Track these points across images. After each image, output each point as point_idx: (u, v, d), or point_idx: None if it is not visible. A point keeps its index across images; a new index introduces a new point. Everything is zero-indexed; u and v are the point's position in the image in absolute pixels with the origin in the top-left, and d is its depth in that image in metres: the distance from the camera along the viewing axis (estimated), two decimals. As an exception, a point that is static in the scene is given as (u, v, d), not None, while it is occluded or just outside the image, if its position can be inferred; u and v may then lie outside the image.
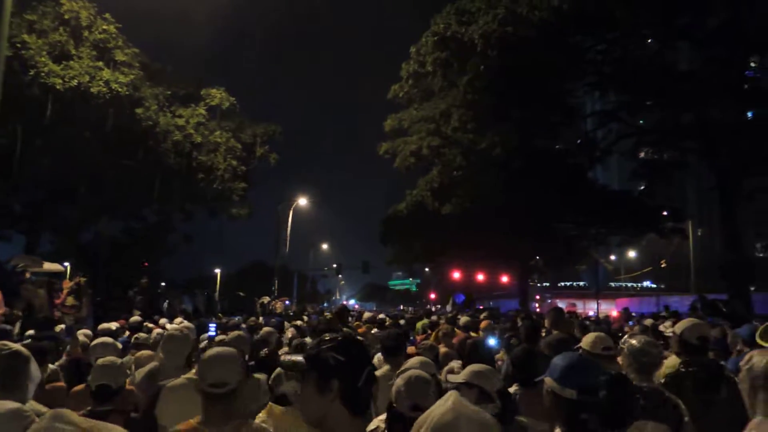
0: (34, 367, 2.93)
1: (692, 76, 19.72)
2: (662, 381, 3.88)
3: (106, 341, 5.15)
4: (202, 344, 6.74)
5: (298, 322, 11.73)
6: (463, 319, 10.85)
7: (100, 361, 3.92)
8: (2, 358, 2.84)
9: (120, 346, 5.69)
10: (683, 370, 4.01)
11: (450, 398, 1.55)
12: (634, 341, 3.69)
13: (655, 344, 3.79)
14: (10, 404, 2.21)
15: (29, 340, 7.33)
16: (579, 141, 24.60)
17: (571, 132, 25.11)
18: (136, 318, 11.10)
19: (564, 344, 5.65)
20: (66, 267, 26.63)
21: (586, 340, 4.36)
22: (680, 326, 4.39)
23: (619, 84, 21.50)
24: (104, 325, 9.00)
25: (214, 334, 8.51)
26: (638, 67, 20.19)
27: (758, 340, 4.12)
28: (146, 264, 33.25)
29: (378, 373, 4.72)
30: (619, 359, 3.92)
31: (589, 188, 25.87)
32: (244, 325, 10.67)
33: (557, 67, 18.46)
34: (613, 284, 65.74)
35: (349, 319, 13.21)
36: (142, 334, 7.53)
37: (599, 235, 30.81)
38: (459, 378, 3.23)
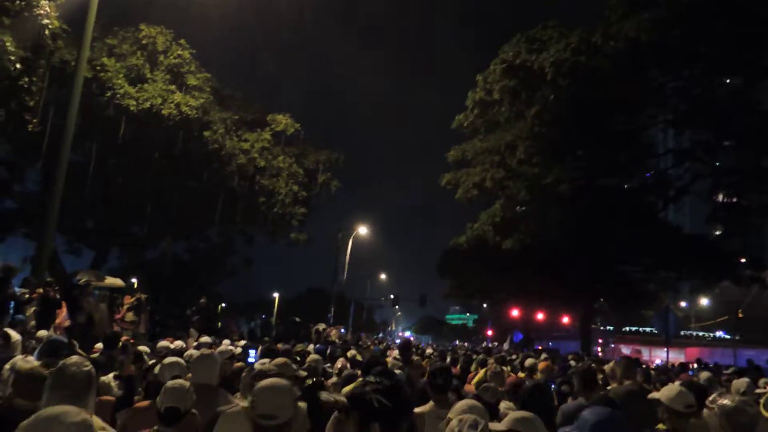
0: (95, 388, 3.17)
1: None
2: None
3: (179, 362, 5.07)
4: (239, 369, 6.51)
5: (351, 353, 11.47)
6: (528, 361, 10.27)
7: (169, 383, 3.91)
8: (82, 374, 3.04)
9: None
10: None
11: None
12: (727, 401, 3.39)
13: (751, 404, 3.43)
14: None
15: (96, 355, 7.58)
16: (652, 179, 23.48)
17: (642, 170, 24.04)
18: (206, 339, 11.19)
19: (634, 397, 5.12)
20: (133, 283, 27.44)
21: (667, 395, 3.94)
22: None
23: (697, 122, 20.46)
24: (163, 343, 9.07)
25: (253, 360, 8.39)
26: (719, 105, 19.17)
27: (763, 411, 3.54)
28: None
29: (422, 409, 4.56)
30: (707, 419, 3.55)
31: (661, 230, 24.59)
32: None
33: (631, 100, 17.70)
34: (682, 332, 62.23)
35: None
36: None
37: (669, 279, 29.21)
38: (501, 426, 3.02)
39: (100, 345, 9.61)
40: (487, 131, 22.11)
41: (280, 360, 6.48)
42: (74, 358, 3.18)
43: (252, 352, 10.25)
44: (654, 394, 4.16)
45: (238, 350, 9.36)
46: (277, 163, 22.80)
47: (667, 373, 13.72)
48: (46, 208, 12.54)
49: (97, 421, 2.86)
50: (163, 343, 9.17)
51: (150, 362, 7.26)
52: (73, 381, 3.00)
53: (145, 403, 4.49)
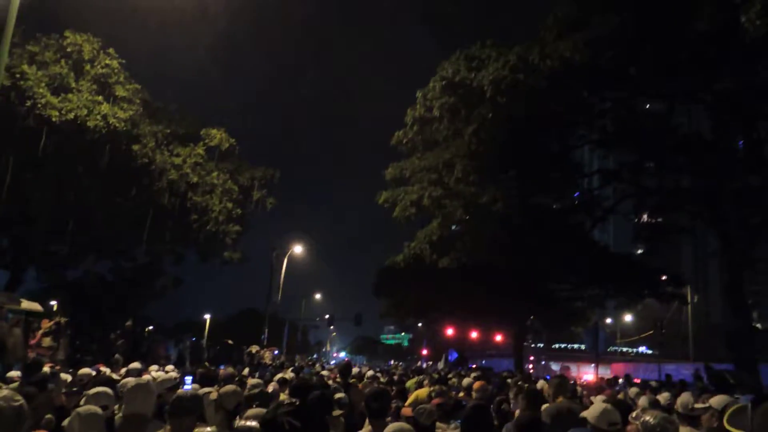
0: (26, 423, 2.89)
1: (698, 140, 19.57)
2: None
3: (107, 391, 4.90)
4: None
5: (288, 375, 11.20)
6: (465, 381, 10.28)
7: (80, 410, 3.84)
8: (12, 410, 2.69)
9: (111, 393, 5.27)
10: None
11: None
12: (649, 417, 3.44)
13: (671, 420, 3.53)
14: None
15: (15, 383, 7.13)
16: (580, 199, 24.27)
17: (572, 189, 24.82)
18: (136, 365, 10.58)
19: (566, 416, 5.47)
20: (53, 305, 25.76)
21: (591, 413, 4.09)
22: (716, 401, 4.39)
23: (622, 143, 21.32)
24: (85, 371, 8.50)
25: (188, 387, 8.04)
26: (642, 127, 20.05)
27: (726, 425, 3.66)
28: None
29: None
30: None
31: (590, 248, 25.40)
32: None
33: (563, 119, 18.22)
34: (609, 348, 64.56)
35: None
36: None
37: (597, 297, 30.19)
38: None
39: (14, 373, 8.92)
40: (426, 149, 22.20)
41: (229, 388, 6.15)
42: (2, 392, 2.83)
43: (188, 379, 9.91)
44: (583, 413, 4.25)
45: (173, 375, 8.93)
46: (210, 179, 22.09)
47: (595, 390, 13.97)
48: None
49: None
50: (84, 370, 8.58)
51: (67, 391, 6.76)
52: (1, 418, 2.66)
53: None
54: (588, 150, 25.33)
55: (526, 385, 10.73)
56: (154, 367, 12.51)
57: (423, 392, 8.37)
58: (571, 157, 23.55)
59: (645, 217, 26.60)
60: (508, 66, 16.08)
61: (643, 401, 7.59)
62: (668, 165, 20.75)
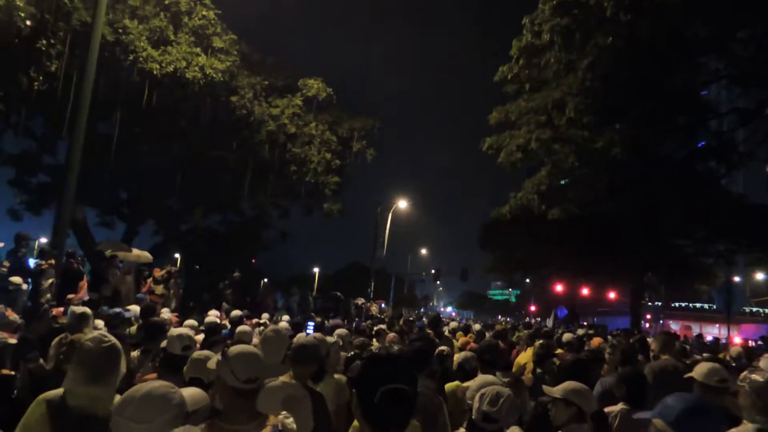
0: (123, 362, 3.08)
1: None
2: None
3: (189, 333, 5.01)
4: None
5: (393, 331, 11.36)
6: (566, 336, 9.68)
7: (195, 354, 4.07)
8: (103, 350, 2.93)
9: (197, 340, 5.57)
10: None
11: None
12: (758, 377, 3.33)
13: None
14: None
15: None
16: (713, 143, 21.55)
17: (703, 132, 22.15)
18: (236, 312, 10.97)
19: (671, 373, 5.51)
20: (176, 258, 27.03)
21: (699, 371, 4.15)
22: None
23: (765, 78, 18.51)
24: (211, 319, 8.93)
25: (311, 332, 8.31)
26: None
27: None
28: (253, 260, 33.75)
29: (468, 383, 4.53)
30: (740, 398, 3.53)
31: (722, 198, 22.78)
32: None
33: (698, 48, 15.77)
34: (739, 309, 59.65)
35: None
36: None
37: (727, 252, 27.36)
38: (556, 392, 3.34)
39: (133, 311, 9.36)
40: (533, 90, 20.35)
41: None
42: (95, 334, 3.08)
43: (310, 325, 10.70)
44: (688, 374, 4.29)
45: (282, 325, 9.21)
46: (308, 130, 21.77)
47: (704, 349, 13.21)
48: (65, 176, 11.85)
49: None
50: (211, 318, 9.01)
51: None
52: (90, 358, 2.90)
53: (153, 375, 4.50)
54: (723, 87, 22.34)
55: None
56: (266, 315, 12.81)
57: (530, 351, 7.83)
58: (700, 96, 20.97)
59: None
60: (634, -23, 13.88)
61: (764, 363, 6.90)
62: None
